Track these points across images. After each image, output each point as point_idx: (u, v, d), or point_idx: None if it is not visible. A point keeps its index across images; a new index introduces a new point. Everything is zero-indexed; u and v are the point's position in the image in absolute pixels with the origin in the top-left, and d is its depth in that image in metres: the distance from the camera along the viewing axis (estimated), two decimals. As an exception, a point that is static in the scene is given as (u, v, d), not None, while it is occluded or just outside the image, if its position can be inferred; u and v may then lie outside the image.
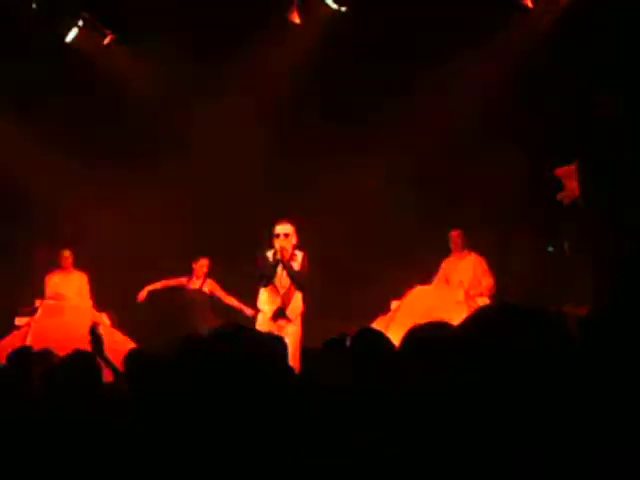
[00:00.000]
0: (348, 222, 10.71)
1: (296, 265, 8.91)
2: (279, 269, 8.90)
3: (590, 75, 9.47)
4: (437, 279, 10.27)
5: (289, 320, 8.89)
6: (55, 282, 10.63)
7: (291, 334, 8.44)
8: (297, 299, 8.98)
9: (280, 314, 8.92)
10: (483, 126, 10.41)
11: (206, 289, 10.59)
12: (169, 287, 10.64)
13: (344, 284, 10.56)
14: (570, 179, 9.54)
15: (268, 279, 8.91)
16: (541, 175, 9.96)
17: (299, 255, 8.96)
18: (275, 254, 8.89)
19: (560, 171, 9.66)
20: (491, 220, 10.77)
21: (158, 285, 10.55)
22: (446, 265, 10.30)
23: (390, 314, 9.71)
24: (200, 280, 10.64)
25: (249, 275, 9.21)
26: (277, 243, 8.85)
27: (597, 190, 9.25)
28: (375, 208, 10.73)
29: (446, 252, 10.34)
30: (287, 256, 8.84)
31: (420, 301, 9.68)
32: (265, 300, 9.00)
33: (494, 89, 10.22)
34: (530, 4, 10.20)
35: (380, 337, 4.01)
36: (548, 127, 9.88)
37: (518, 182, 10.66)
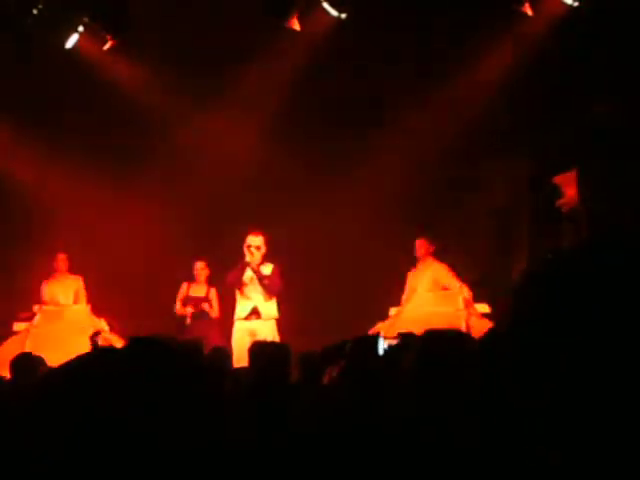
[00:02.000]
0: (348, 231, 10.70)
1: (267, 270, 9.50)
2: (249, 273, 9.47)
3: (589, 84, 9.48)
4: (407, 292, 10.12)
5: (262, 319, 9.36)
6: (51, 289, 10.57)
7: (266, 336, 8.74)
8: (272, 303, 9.35)
9: (254, 313, 9.43)
10: (482, 134, 10.41)
11: (212, 297, 10.34)
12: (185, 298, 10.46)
13: (341, 293, 10.54)
14: (569, 186, 9.54)
15: (236, 280, 9.48)
16: (541, 183, 9.96)
17: (269, 267, 9.52)
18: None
19: (559, 179, 9.67)
20: (492, 228, 10.77)
21: (180, 306, 10.39)
22: (413, 277, 10.15)
23: (390, 320, 9.69)
24: (203, 287, 10.41)
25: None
26: (248, 253, 9.48)
27: (596, 197, 9.25)
28: (372, 218, 10.71)
29: (446, 261, 10.28)
30: (254, 263, 9.46)
31: (419, 308, 9.67)
32: (239, 308, 9.56)
33: (494, 96, 10.23)
34: (530, 12, 10.21)
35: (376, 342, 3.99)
36: (548, 135, 9.88)
37: (518, 189, 10.67)
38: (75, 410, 2.03)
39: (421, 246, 10.06)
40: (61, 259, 10.61)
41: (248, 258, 9.47)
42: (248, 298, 9.49)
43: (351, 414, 2.61)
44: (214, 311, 10.24)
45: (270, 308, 9.47)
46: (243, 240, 9.61)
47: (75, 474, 2.03)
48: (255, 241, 9.54)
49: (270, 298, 9.49)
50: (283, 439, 2.07)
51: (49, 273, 10.68)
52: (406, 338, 3.16)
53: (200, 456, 2.08)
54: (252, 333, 9.14)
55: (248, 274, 9.50)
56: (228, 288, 9.74)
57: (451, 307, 9.46)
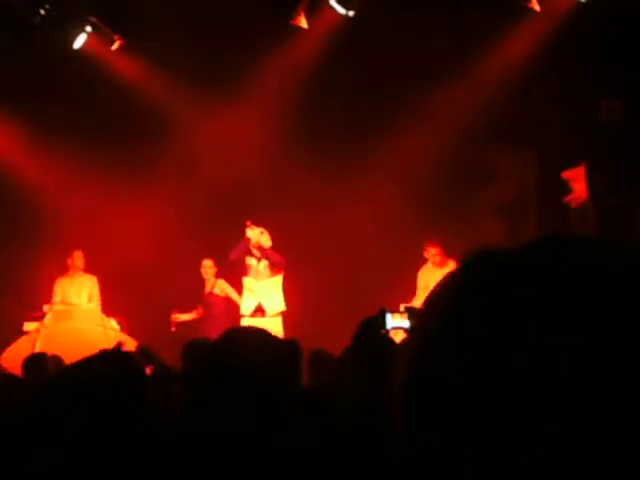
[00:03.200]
0: (352, 226, 10.69)
1: (266, 242, 9.77)
2: (253, 263, 9.69)
3: (599, 79, 9.47)
4: (418, 290, 9.99)
5: (267, 316, 9.34)
6: (64, 287, 10.53)
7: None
8: (278, 297, 9.29)
9: (259, 310, 9.44)
10: (492, 130, 10.40)
11: (217, 290, 10.35)
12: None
13: (350, 289, 10.52)
14: (578, 182, 9.53)
15: (237, 256, 9.74)
16: (551, 178, 9.95)
17: (268, 239, 9.83)
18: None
19: (568, 174, 9.65)
20: (500, 223, 10.75)
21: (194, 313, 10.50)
22: (423, 274, 9.91)
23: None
24: (211, 283, 10.41)
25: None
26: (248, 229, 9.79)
27: (605, 193, 9.24)
28: (378, 213, 10.70)
29: (451, 255, 10.24)
30: (256, 243, 9.72)
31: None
32: (245, 301, 9.61)
33: (504, 93, 10.21)
34: (537, 7, 10.19)
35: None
36: (557, 130, 9.87)
37: (527, 185, 10.65)
38: (78, 410, 2.04)
39: (433, 246, 9.86)
40: (77, 257, 10.54)
41: (249, 233, 9.70)
42: (253, 292, 9.46)
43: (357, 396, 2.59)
44: (238, 300, 10.23)
45: (275, 303, 9.37)
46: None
47: (78, 471, 2.04)
48: (253, 234, 9.79)
49: (277, 272, 9.65)
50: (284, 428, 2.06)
51: (63, 270, 10.64)
52: (411, 311, 3.10)
53: (200, 452, 2.08)
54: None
55: (253, 267, 9.50)
56: (232, 263, 9.93)
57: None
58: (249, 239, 9.73)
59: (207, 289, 10.41)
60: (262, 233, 9.77)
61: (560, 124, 9.90)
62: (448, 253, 9.74)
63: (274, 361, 2.16)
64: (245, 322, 9.38)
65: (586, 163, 9.38)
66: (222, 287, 10.36)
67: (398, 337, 3.14)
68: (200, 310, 10.34)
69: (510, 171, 10.64)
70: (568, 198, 9.67)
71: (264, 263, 9.72)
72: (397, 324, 3.01)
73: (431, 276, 9.67)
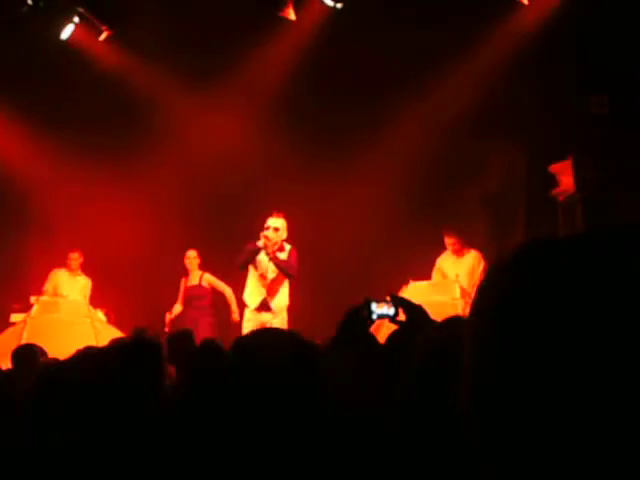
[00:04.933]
0: (342, 220, 10.71)
1: (283, 255, 9.09)
2: (264, 259, 9.08)
3: (586, 73, 9.48)
4: (434, 276, 10.18)
5: (273, 312, 9.05)
6: (59, 279, 10.54)
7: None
8: (283, 293, 9.14)
9: (264, 307, 9.08)
10: (479, 122, 10.41)
11: (205, 283, 10.32)
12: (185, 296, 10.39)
13: (338, 280, 10.53)
14: (565, 175, 9.55)
15: (244, 263, 9.13)
16: (538, 171, 9.97)
17: (287, 247, 9.13)
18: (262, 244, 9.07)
19: (555, 167, 9.68)
20: (487, 216, 10.78)
21: (179, 306, 10.36)
22: (442, 261, 10.22)
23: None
24: (197, 275, 10.37)
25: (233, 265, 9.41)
26: (264, 233, 9.02)
27: (592, 186, 9.26)
28: (368, 203, 10.73)
29: (441, 247, 10.30)
30: (271, 247, 9.01)
31: (415, 298, 9.63)
32: (250, 292, 9.19)
33: (490, 86, 10.23)
34: (525, 1, 10.22)
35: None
36: (544, 123, 9.88)
37: (514, 178, 10.67)
38: (72, 402, 2.04)
39: (449, 236, 10.06)
40: (74, 258, 10.56)
41: (262, 242, 9.00)
42: (259, 287, 9.15)
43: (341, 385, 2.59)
44: (226, 291, 10.16)
45: (281, 299, 9.21)
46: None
47: (72, 462, 2.04)
48: (275, 222, 9.12)
49: (285, 286, 9.17)
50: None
51: (51, 263, 10.62)
52: (396, 300, 3.08)
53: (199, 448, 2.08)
54: (263, 325, 8.80)
55: (263, 263, 9.15)
56: (239, 267, 9.25)
57: (447, 296, 9.45)
58: (263, 248, 9.03)
59: (192, 281, 10.37)
60: (277, 230, 9.08)
61: (547, 118, 9.91)
62: (466, 243, 10.02)
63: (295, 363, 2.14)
64: (250, 316, 9.17)
65: (573, 156, 9.40)
66: (209, 280, 10.34)
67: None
68: (182, 302, 10.30)
69: (497, 164, 10.66)
70: (555, 191, 9.70)
71: (272, 267, 9.19)
72: (382, 312, 3.01)
73: (446, 261, 10.07)
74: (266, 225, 9.09)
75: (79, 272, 10.64)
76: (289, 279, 9.17)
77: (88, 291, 10.63)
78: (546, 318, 0.67)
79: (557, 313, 0.67)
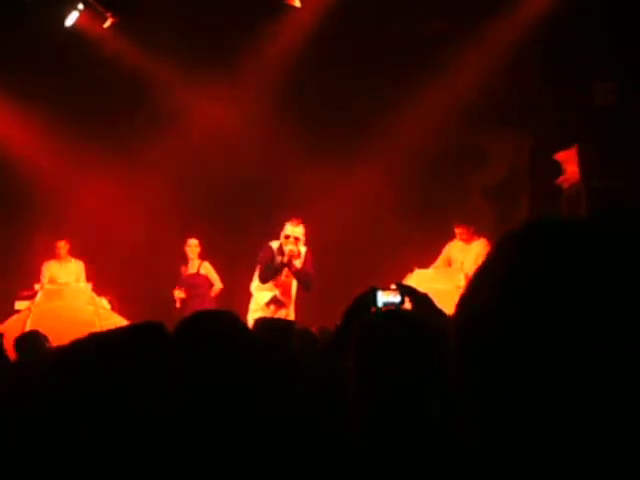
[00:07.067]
0: (346, 208, 10.70)
1: (299, 263, 8.76)
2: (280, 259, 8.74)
3: (591, 62, 9.45)
4: (439, 262, 10.17)
5: (283, 306, 8.99)
6: (52, 270, 10.61)
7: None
8: (293, 287, 9.06)
9: (275, 302, 8.98)
10: (485, 112, 10.39)
11: (203, 271, 10.38)
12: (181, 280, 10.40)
13: (343, 270, 10.52)
14: (570, 163, 9.54)
15: (270, 279, 8.76)
16: (543, 160, 9.95)
17: (303, 251, 8.78)
18: (281, 251, 8.62)
19: (560, 155, 9.66)
20: (491, 204, 10.77)
21: (183, 290, 10.35)
22: (451, 248, 10.19)
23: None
24: (196, 263, 10.41)
25: (235, 253, 9.33)
26: (286, 245, 8.57)
27: (597, 175, 9.25)
28: (374, 191, 10.72)
29: (445, 235, 10.27)
30: (295, 260, 8.59)
31: (420, 285, 9.62)
32: (259, 286, 8.99)
33: (495, 75, 10.20)
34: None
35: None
36: (549, 112, 9.86)
37: (519, 166, 10.66)
38: (75, 391, 2.03)
39: (458, 227, 10.04)
40: (61, 246, 10.62)
41: (286, 258, 8.51)
42: (271, 286, 8.93)
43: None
44: (217, 284, 10.30)
45: (290, 294, 9.10)
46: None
47: (75, 453, 2.03)
48: (295, 232, 8.57)
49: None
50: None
51: (51, 252, 10.69)
52: (401, 288, 3.09)
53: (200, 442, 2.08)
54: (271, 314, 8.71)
55: (279, 271, 8.76)
56: (263, 281, 8.83)
57: (451, 284, 9.44)
58: (282, 262, 8.63)
59: (192, 269, 10.42)
60: (298, 240, 8.59)
61: (553, 106, 9.89)
62: (475, 232, 9.91)
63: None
64: (255, 307, 8.97)
65: (578, 145, 9.38)
66: (208, 269, 10.42)
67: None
68: (184, 289, 10.35)
69: (502, 153, 10.64)
70: (560, 180, 9.68)
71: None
72: (388, 300, 3.02)
73: (454, 248, 10.05)
74: (285, 234, 8.57)
75: (68, 258, 10.70)
76: (306, 291, 8.92)
77: (82, 273, 10.71)
78: (552, 295, 0.68)
79: (563, 289, 0.68)
